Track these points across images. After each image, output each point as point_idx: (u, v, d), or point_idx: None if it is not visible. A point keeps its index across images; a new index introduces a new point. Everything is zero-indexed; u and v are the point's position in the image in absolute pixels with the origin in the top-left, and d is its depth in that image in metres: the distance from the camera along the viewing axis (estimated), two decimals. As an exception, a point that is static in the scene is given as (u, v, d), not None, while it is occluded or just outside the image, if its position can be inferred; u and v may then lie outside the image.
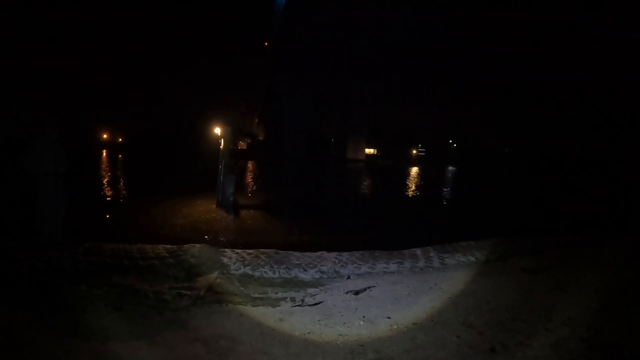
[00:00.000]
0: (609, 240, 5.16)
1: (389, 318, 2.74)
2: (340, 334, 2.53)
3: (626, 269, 3.73)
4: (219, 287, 3.36)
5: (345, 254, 4.31)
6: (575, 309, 2.80)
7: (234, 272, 3.76)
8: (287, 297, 3.22)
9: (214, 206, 8.69)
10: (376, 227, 8.13)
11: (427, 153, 75.21)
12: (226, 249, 4.36)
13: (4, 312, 2.73)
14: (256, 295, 3.27)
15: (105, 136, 70.86)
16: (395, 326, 2.63)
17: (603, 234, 6.03)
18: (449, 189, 19.08)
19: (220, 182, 8.73)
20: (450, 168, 41.10)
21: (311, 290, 3.38)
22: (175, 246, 4.20)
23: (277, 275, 3.76)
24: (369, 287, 3.36)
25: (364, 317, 2.77)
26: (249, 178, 19.90)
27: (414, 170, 34.99)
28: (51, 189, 4.35)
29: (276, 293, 3.33)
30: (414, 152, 75.03)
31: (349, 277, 3.75)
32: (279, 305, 3.04)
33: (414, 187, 19.04)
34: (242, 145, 72.94)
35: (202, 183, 12.73)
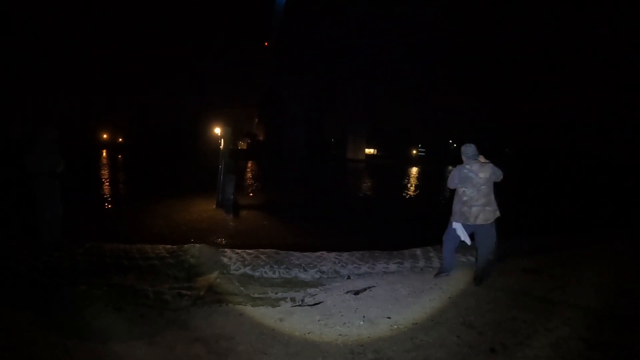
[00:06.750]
0: (609, 240, 5.16)
1: (389, 318, 2.74)
2: (340, 334, 2.53)
3: (626, 269, 3.73)
4: (219, 287, 3.36)
5: (345, 254, 4.30)
6: (575, 309, 2.79)
7: (234, 272, 3.76)
8: (287, 297, 3.21)
9: (214, 206, 8.68)
10: (376, 227, 8.13)
11: (427, 153, 75.19)
12: (226, 249, 4.36)
13: (4, 312, 2.72)
14: (256, 295, 3.27)
15: (105, 136, 70.81)
16: (395, 326, 2.63)
17: (603, 234, 6.03)
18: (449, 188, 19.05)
19: (220, 182, 8.73)
20: (450, 168, 41.03)
21: (311, 290, 3.38)
22: (175, 246, 4.20)
23: (277, 275, 3.76)
24: (369, 287, 3.36)
25: (364, 317, 2.77)
26: (249, 178, 19.90)
27: (414, 170, 34.98)
28: (50, 190, 4.35)
29: (276, 293, 3.33)
30: (414, 152, 75.00)
31: (349, 277, 3.75)
32: (279, 305, 3.04)
33: (414, 187, 19.05)
34: (242, 145, 72.88)
35: (202, 183, 12.73)
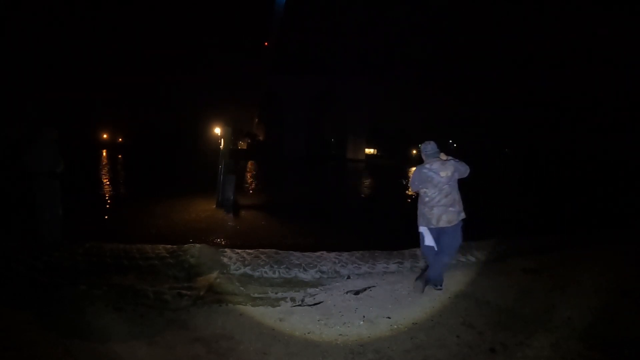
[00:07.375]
0: (609, 240, 5.16)
1: (389, 318, 2.74)
2: (340, 334, 2.53)
3: (626, 269, 3.73)
4: (219, 287, 3.36)
5: (345, 254, 4.30)
6: (575, 309, 2.79)
7: (234, 272, 3.75)
8: (287, 297, 3.21)
9: (214, 206, 8.69)
10: (376, 227, 8.12)
11: (427, 153, 74.98)
12: (226, 249, 4.35)
13: (4, 312, 2.72)
14: (256, 295, 3.26)
15: (105, 136, 70.80)
16: (395, 326, 2.63)
17: (603, 234, 6.03)
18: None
19: (220, 182, 8.73)
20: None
21: (311, 290, 3.38)
22: (175, 246, 4.20)
23: (277, 275, 3.76)
24: (369, 287, 3.36)
25: (364, 317, 2.77)
26: (249, 178, 19.89)
27: (414, 170, 34.93)
28: (50, 190, 4.35)
29: (276, 293, 3.33)
30: (414, 152, 75.00)
31: (349, 277, 3.75)
32: (279, 305, 3.04)
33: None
34: (242, 145, 72.83)
35: (202, 183, 12.73)
